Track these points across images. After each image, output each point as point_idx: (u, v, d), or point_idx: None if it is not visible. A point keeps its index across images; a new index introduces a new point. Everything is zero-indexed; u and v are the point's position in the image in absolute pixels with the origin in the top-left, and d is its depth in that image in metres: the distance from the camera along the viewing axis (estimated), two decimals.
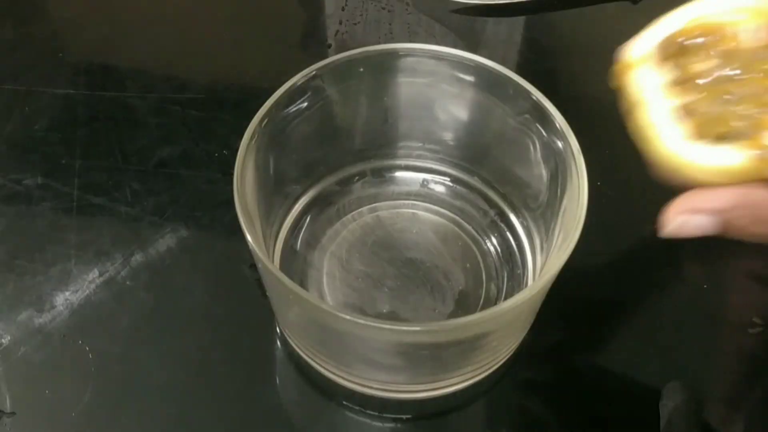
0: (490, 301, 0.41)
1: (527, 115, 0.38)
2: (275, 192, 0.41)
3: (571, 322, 0.42)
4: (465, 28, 0.59)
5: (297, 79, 0.39)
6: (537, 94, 0.37)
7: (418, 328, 0.35)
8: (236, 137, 0.36)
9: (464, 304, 0.41)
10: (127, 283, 0.43)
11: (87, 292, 0.43)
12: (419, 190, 0.46)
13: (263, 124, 0.37)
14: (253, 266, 0.43)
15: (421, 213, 0.45)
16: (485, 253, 0.43)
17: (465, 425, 0.39)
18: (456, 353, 0.36)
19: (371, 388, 0.38)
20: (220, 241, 0.46)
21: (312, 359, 0.39)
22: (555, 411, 0.39)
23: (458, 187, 0.46)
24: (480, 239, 0.44)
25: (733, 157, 0.28)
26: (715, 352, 0.41)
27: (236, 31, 0.59)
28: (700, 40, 0.29)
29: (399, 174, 0.46)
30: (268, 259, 0.34)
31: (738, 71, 0.28)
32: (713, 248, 0.45)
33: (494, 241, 0.44)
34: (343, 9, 0.60)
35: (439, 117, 0.43)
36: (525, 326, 0.38)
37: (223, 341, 0.41)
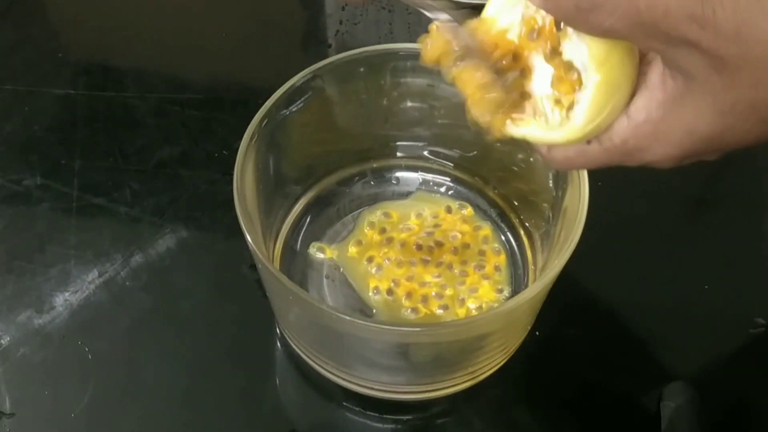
0: None
1: None
2: (275, 192, 0.41)
3: (571, 323, 0.42)
4: None
5: (297, 79, 0.39)
6: None
7: (418, 329, 0.35)
8: (236, 137, 0.36)
9: None
10: (127, 283, 0.43)
11: (86, 292, 0.43)
12: (419, 190, 0.46)
13: (263, 125, 0.37)
14: (253, 266, 0.43)
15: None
16: None
17: (465, 426, 0.39)
18: (456, 354, 0.36)
19: (371, 389, 0.38)
20: (220, 241, 0.45)
21: (312, 360, 0.39)
22: (556, 411, 0.39)
23: (458, 187, 0.46)
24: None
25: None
26: (716, 352, 0.41)
27: (236, 31, 0.59)
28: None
29: (399, 174, 0.46)
30: (268, 260, 0.34)
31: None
32: (714, 246, 0.45)
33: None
34: (343, 9, 0.60)
35: (439, 117, 0.43)
36: (526, 327, 0.38)
37: (223, 341, 0.41)
